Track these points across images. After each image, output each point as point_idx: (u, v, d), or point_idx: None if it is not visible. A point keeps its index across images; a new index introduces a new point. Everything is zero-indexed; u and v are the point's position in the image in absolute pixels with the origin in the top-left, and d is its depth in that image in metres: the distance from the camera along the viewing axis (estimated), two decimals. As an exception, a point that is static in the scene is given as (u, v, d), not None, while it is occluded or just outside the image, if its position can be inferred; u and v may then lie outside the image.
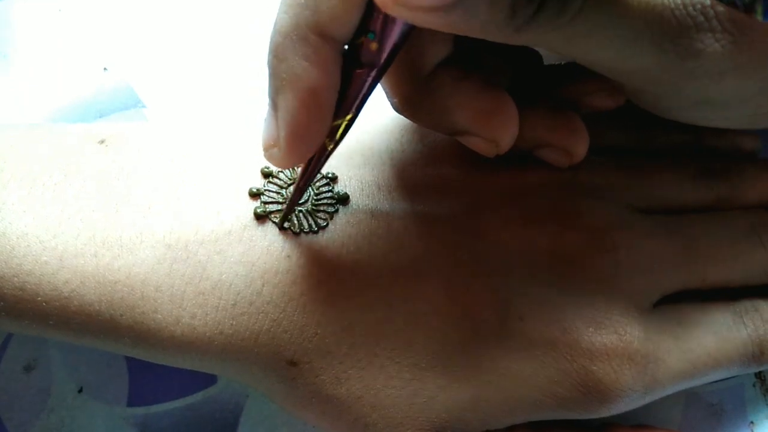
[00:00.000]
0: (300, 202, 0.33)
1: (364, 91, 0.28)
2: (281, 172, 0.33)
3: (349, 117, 0.29)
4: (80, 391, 0.38)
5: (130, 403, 0.38)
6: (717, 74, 0.29)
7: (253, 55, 0.42)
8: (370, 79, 0.28)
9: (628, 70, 0.30)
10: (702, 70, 0.29)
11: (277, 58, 0.27)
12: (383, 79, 0.32)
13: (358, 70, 0.28)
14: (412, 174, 0.35)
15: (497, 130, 0.32)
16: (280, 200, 0.33)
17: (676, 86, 0.31)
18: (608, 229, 0.34)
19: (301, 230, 0.32)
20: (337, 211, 0.33)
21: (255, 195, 0.32)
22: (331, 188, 0.33)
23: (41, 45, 0.41)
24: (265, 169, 0.33)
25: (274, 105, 0.28)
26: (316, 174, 0.31)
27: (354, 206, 0.33)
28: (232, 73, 0.42)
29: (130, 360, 0.38)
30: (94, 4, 0.42)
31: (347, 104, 0.29)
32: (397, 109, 0.33)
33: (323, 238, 0.32)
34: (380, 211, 0.33)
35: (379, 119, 0.37)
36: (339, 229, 0.33)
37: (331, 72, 0.28)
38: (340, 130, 0.29)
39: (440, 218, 0.34)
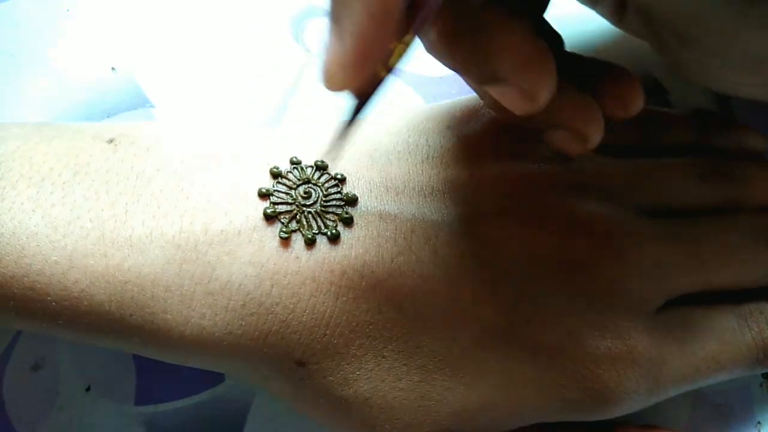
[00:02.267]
0: (308, 203, 0.33)
1: (427, 8, 0.26)
2: (290, 172, 0.33)
3: (407, 38, 0.27)
4: (88, 389, 0.38)
5: (138, 402, 0.38)
6: None
7: (253, 55, 0.42)
8: None
9: (687, 13, 0.30)
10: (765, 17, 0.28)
11: None
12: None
13: None
14: (419, 176, 0.35)
15: (538, 81, 0.30)
16: (290, 201, 0.33)
17: (732, 36, 0.30)
18: (613, 232, 0.35)
19: (310, 232, 0.32)
20: (346, 212, 0.33)
21: (264, 195, 0.32)
22: (339, 189, 0.33)
23: (49, 45, 0.41)
24: (275, 170, 0.33)
25: (338, 21, 0.26)
26: (368, 102, 0.28)
27: (362, 208, 0.33)
28: (235, 73, 0.42)
29: (137, 359, 0.38)
30: (102, 4, 0.42)
31: (406, 26, 0.26)
32: (431, 46, 0.31)
33: (332, 239, 0.32)
34: (388, 213, 0.33)
35: (386, 120, 0.37)
36: (347, 231, 0.33)
37: None
38: (396, 54, 0.27)
39: (447, 221, 0.34)
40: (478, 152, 0.35)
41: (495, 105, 0.34)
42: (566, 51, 0.36)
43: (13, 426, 0.37)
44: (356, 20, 0.25)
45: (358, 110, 0.28)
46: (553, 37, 0.35)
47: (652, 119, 0.40)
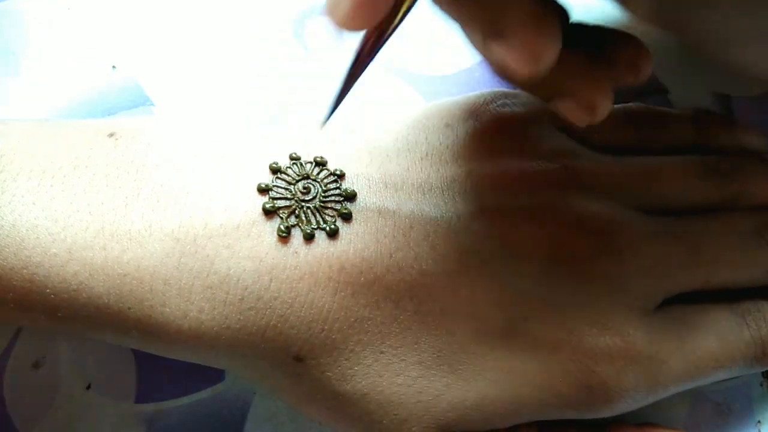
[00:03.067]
0: (307, 198, 0.33)
1: None
2: (289, 167, 0.33)
3: None
4: (88, 387, 0.38)
5: (138, 400, 0.38)
6: None
7: (253, 55, 0.42)
8: None
9: None
10: None
11: None
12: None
13: None
14: (418, 173, 0.35)
15: (541, 39, 0.29)
16: (289, 196, 0.33)
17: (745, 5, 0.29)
18: (613, 230, 0.35)
19: (309, 227, 0.32)
20: (344, 208, 0.33)
21: (264, 190, 0.32)
22: (338, 185, 0.33)
23: (50, 43, 0.41)
24: (274, 165, 0.33)
25: None
26: (373, 58, 0.29)
27: (361, 204, 0.33)
28: (236, 73, 0.42)
29: (138, 357, 0.38)
30: (103, 3, 0.42)
31: None
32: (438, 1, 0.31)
33: (331, 234, 0.32)
34: (387, 209, 0.33)
35: (386, 118, 0.37)
36: (346, 226, 0.33)
37: None
38: (403, 10, 0.27)
39: (445, 217, 0.34)
40: (477, 150, 0.36)
41: (501, 66, 0.33)
42: (572, 22, 0.34)
43: (14, 424, 0.37)
44: None
45: (360, 66, 0.29)
46: (559, 9, 0.34)
47: (651, 118, 0.40)
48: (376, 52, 0.29)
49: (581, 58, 0.33)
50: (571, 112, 0.33)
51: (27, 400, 0.37)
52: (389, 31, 0.28)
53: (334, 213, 0.33)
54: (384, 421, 0.32)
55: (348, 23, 0.26)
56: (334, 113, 0.31)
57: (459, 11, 0.31)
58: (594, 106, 0.32)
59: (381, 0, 0.26)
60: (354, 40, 0.29)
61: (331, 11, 0.26)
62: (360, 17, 0.26)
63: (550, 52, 0.29)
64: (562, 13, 0.34)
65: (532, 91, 0.35)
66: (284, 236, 0.32)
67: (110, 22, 0.42)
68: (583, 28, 0.34)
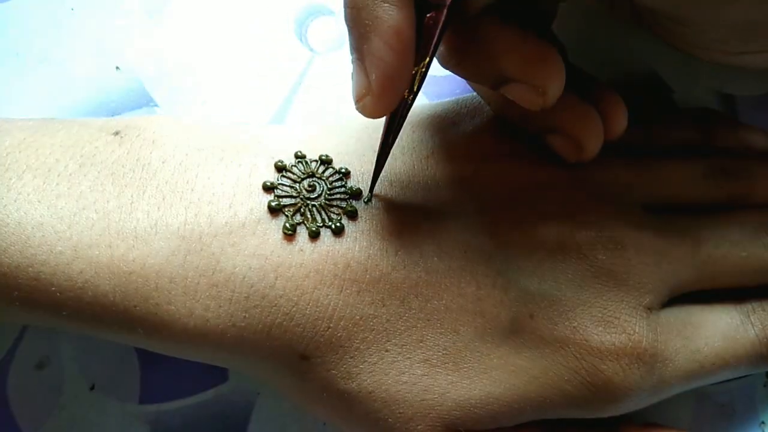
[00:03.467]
0: (313, 196, 0.33)
1: (438, 32, 0.29)
2: (295, 166, 0.34)
3: (426, 62, 0.30)
4: (92, 388, 0.38)
5: (142, 401, 0.38)
6: None
7: (254, 55, 0.42)
8: (442, 19, 0.29)
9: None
10: None
11: (356, 8, 0.29)
12: None
13: (428, 15, 0.29)
14: (423, 171, 0.35)
15: (545, 75, 0.31)
16: (294, 194, 0.33)
17: (717, 6, 0.30)
18: (618, 228, 0.35)
19: (315, 225, 0.32)
20: (350, 206, 0.33)
21: (269, 189, 0.32)
22: (344, 183, 0.34)
23: (54, 44, 0.41)
24: (279, 164, 0.33)
25: (360, 55, 0.29)
26: (401, 126, 0.32)
27: (366, 201, 0.33)
28: (237, 73, 0.42)
29: (142, 357, 0.38)
30: (107, 4, 0.42)
31: (421, 50, 0.29)
32: (443, 61, 0.33)
33: (336, 232, 0.32)
34: (392, 207, 0.33)
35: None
36: (351, 224, 0.33)
37: (410, 10, 0.29)
38: (418, 78, 0.30)
39: (451, 216, 0.34)
40: (482, 148, 0.36)
41: (503, 109, 0.36)
42: (569, 62, 0.36)
43: (18, 424, 0.37)
44: (377, 50, 0.28)
45: (392, 132, 0.32)
46: (558, 46, 0.36)
47: (656, 118, 0.40)
48: (402, 121, 0.32)
49: (575, 99, 0.34)
50: (562, 148, 0.35)
51: (31, 400, 0.37)
52: (411, 98, 0.31)
53: (340, 211, 0.33)
54: (389, 420, 0.32)
55: (376, 114, 0.30)
56: (376, 184, 0.34)
57: (465, 69, 0.33)
58: (583, 145, 0.35)
59: (396, 88, 0.29)
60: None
61: (358, 107, 0.30)
62: (383, 107, 0.30)
63: (555, 86, 0.32)
64: (562, 50, 0.35)
65: (526, 126, 0.36)
66: (290, 234, 0.32)
67: (114, 24, 0.42)
68: (575, 71, 0.36)
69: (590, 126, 0.34)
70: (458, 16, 0.31)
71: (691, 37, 0.34)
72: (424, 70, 0.30)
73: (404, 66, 0.29)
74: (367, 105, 0.30)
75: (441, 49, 0.33)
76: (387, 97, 0.29)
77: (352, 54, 0.30)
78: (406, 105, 0.31)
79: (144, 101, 0.41)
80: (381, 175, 0.34)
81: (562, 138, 0.35)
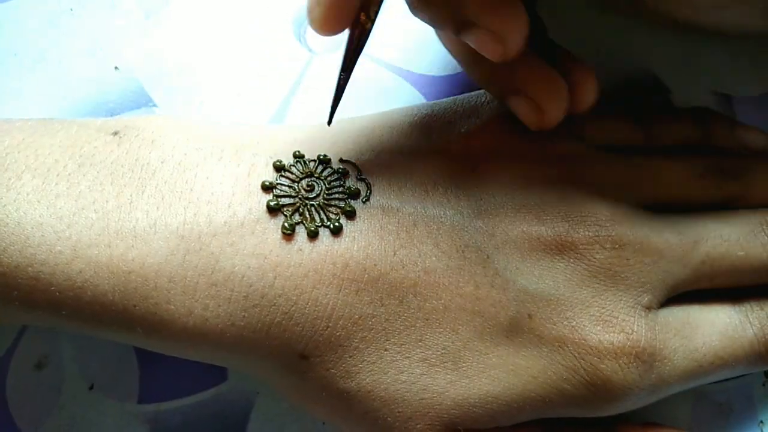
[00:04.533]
0: (311, 196, 0.33)
1: None
2: (293, 165, 0.34)
3: None
4: (91, 388, 0.38)
5: (141, 400, 0.38)
6: None
7: (254, 55, 0.42)
8: None
9: None
10: None
11: None
12: None
13: None
14: (421, 170, 0.35)
15: (505, 22, 0.31)
16: (293, 193, 0.33)
17: None
18: (616, 227, 0.35)
19: (313, 224, 0.32)
20: (348, 205, 0.33)
21: (268, 188, 0.32)
22: (342, 183, 0.34)
23: (52, 44, 0.41)
24: (278, 163, 0.33)
25: None
26: (358, 56, 0.32)
27: (365, 201, 0.33)
28: (236, 73, 0.42)
29: (141, 357, 0.38)
30: (105, 4, 0.42)
31: None
32: (410, 3, 0.33)
33: (335, 232, 0.32)
34: (390, 207, 0.33)
35: (388, 115, 0.37)
36: (350, 224, 0.33)
37: None
38: (375, 4, 0.30)
39: (449, 215, 0.34)
40: (480, 148, 0.36)
41: (470, 65, 0.36)
42: (548, 37, 0.37)
43: (17, 424, 0.37)
44: None
45: (350, 58, 0.32)
46: (536, 21, 0.36)
47: (654, 118, 0.40)
48: (361, 47, 0.31)
49: (542, 64, 0.34)
50: (523, 111, 0.35)
51: (30, 400, 0.37)
52: (368, 28, 0.31)
53: (338, 210, 0.33)
54: (388, 419, 0.32)
55: (325, 26, 0.30)
56: (336, 110, 0.33)
57: (429, 10, 0.33)
58: (544, 109, 0.34)
59: (347, 3, 0.29)
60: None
61: (309, 19, 0.30)
62: (332, 19, 0.29)
63: (515, 35, 0.31)
64: (540, 24, 0.35)
65: (488, 88, 0.36)
66: (288, 234, 0.32)
67: (112, 24, 0.42)
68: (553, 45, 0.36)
69: (553, 89, 0.34)
70: None
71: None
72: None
73: None
74: (315, 17, 0.29)
75: None
76: (335, 11, 0.29)
77: None
78: (363, 30, 0.31)
79: (143, 101, 0.41)
80: (380, 175, 0.34)
81: (524, 100, 0.35)
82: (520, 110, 0.35)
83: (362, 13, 0.30)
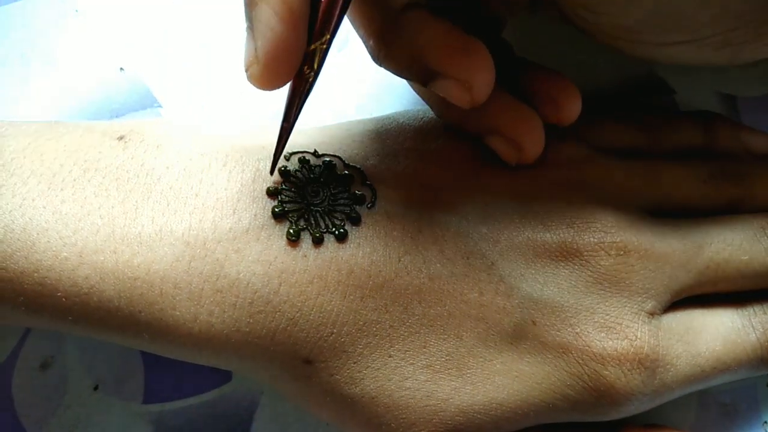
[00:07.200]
0: (316, 202, 0.33)
1: (338, 10, 0.28)
2: (299, 171, 0.33)
3: (326, 38, 0.29)
4: (96, 388, 0.38)
5: (146, 401, 0.38)
6: None
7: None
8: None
9: None
10: None
11: None
12: (356, 20, 0.33)
13: None
14: (425, 176, 0.35)
15: (470, 70, 0.31)
16: (298, 199, 0.33)
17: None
18: (620, 233, 0.35)
19: (318, 230, 0.32)
20: (353, 211, 0.33)
21: (273, 194, 0.32)
22: (347, 189, 0.34)
23: (57, 45, 0.41)
24: (283, 169, 0.33)
25: (250, 22, 0.28)
26: (301, 108, 0.31)
27: (369, 207, 0.33)
28: (243, 74, 0.42)
29: (145, 357, 0.38)
30: (111, 5, 0.42)
31: (321, 28, 0.29)
32: (372, 54, 0.33)
33: (339, 238, 0.32)
34: (395, 213, 0.33)
35: (394, 118, 0.37)
36: (355, 230, 0.33)
37: None
38: (319, 55, 0.29)
39: (454, 221, 0.34)
40: (484, 154, 0.36)
41: (442, 110, 0.36)
42: (514, 57, 0.37)
43: (22, 424, 0.37)
44: (264, 19, 0.27)
45: (293, 110, 0.31)
46: (500, 46, 0.36)
47: (659, 121, 0.40)
48: (304, 100, 0.31)
49: (512, 99, 0.34)
50: (501, 149, 0.35)
51: (35, 400, 0.38)
52: (312, 78, 0.30)
53: (343, 216, 0.33)
54: (392, 425, 0.32)
55: (264, 83, 0.29)
56: (279, 159, 0.33)
57: (394, 62, 0.33)
58: (521, 145, 0.34)
59: (285, 60, 0.28)
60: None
61: (247, 76, 0.29)
62: (270, 78, 0.29)
63: (481, 81, 0.31)
64: (504, 48, 0.35)
65: (466, 129, 0.36)
66: (293, 240, 0.32)
67: (118, 24, 0.42)
68: (522, 64, 0.36)
69: (527, 126, 0.34)
70: (381, 9, 0.31)
71: (608, 27, 0.33)
72: (324, 47, 0.29)
73: (293, 37, 0.28)
74: (253, 74, 0.28)
75: (371, 42, 0.33)
76: (274, 67, 0.28)
77: (245, 21, 0.29)
78: (307, 83, 0.30)
79: (148, 102, 0.41)
80: (385, 180, 0.34)
81: (501, 139, 0.35)
82: (498, 149, 0.35)
83: (305, 66, 0.29)
